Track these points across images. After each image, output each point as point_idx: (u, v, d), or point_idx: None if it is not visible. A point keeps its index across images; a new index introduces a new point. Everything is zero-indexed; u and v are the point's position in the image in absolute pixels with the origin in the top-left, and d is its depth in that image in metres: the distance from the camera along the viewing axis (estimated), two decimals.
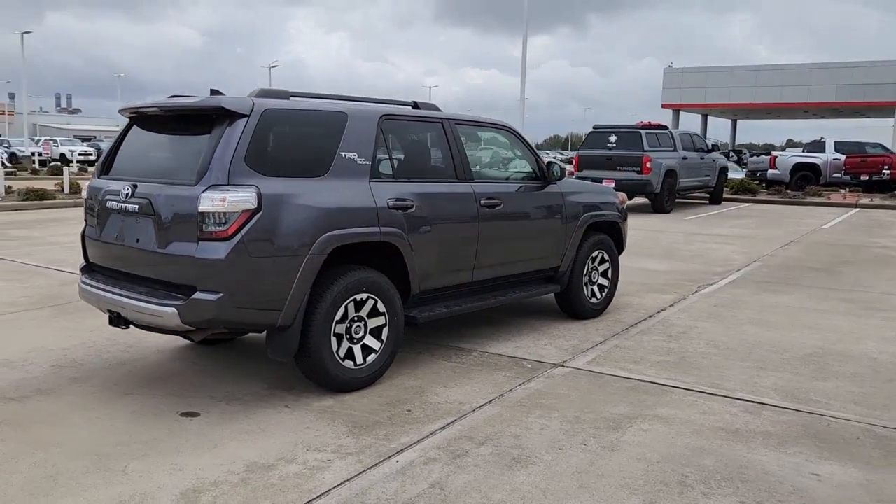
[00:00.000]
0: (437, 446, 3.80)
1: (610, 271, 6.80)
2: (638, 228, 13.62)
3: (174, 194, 4.14)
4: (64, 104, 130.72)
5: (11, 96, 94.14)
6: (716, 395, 4.64)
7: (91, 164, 40.76)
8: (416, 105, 5.41)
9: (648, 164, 16.74)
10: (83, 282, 4.74)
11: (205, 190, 3.99)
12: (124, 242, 4.44)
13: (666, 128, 18.52)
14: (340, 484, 3.37)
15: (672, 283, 8.43)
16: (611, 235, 6.84)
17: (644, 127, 17.66)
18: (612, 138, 17.59)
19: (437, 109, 5.52)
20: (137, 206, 4.29)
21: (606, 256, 6.73)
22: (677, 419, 4.21)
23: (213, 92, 4.58)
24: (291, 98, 4.61)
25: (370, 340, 4.69)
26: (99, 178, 4.87)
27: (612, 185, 17.25)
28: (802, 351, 5.64)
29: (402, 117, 5.17)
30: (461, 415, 4.25)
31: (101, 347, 5.49)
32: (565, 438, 3.92)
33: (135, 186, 4.37)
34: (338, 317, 4.45)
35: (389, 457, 3.66)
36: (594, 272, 6.66)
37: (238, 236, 3.98)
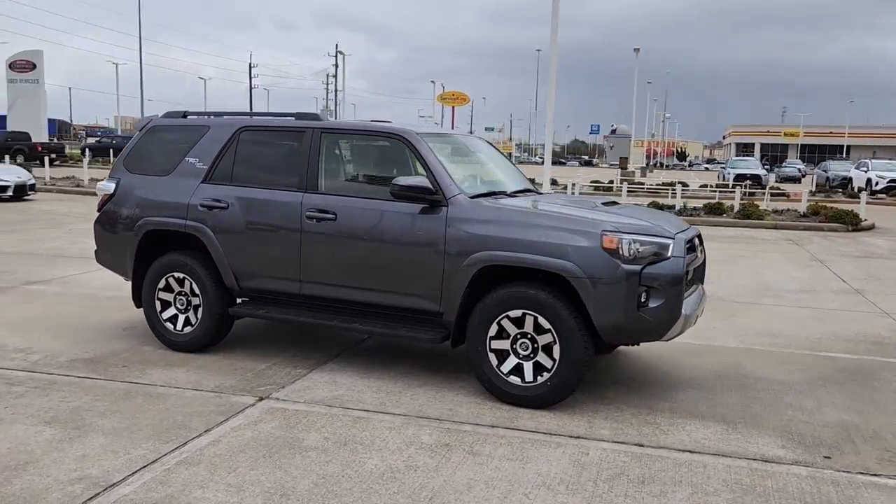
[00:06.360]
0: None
1: (556, 348, 4.40)
2: None
3: None
4: None
5: None
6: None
7: None
8: (297, 116, 5.45)
9: None
10: None
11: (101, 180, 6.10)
12: None
13: None
14: None
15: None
16: (572, 296, 4.39)
17: None
18: None
19: (317, 119, 5.36)
20: None
21: (547, 325, 4.42)
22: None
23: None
24: (188, 115, 5.89)
25: (191, 315, 5.62)
26: None
27: None
28: None
29: (262, 128, 5.50)
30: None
31: None
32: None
33: None
34: (160, 286, 5.67)
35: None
36: (522, 340, 4.54)
37: (101, 211, 5.92)
